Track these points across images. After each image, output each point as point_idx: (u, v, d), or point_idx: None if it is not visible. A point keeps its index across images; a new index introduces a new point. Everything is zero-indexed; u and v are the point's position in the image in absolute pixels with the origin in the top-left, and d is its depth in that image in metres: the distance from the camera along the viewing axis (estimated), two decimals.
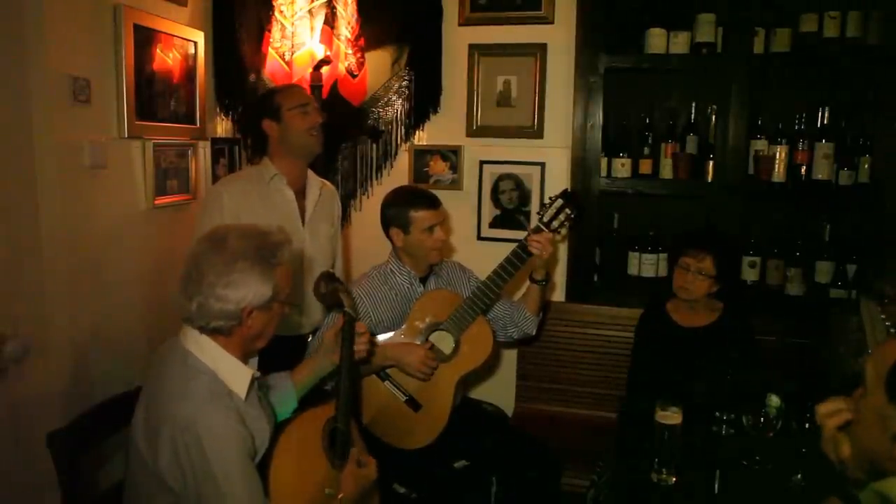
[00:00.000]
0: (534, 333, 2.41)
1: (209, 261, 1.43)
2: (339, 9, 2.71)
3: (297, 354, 2.14)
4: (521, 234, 2.24)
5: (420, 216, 2.14)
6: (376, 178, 3.00)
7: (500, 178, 2.91)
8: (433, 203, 2.17)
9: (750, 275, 2.72)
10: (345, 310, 1.67)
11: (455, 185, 2.93)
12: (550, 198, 2.21)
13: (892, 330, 1.82)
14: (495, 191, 2.92)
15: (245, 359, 1.53)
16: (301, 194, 2.28)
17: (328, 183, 2.44)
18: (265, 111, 2.21)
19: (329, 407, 1.66)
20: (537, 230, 2.17)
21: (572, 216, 2.19)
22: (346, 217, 3.02)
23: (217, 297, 1.41)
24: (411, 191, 2.29)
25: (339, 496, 1.53)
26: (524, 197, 2.89)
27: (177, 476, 1.38)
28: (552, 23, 2.77)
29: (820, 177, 2.58)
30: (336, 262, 2.45)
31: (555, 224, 2.18)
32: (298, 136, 2.19)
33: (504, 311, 2.34)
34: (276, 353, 1.75)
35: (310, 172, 2.33)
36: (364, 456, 1.63)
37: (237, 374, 1.49)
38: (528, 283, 2.33)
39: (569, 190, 2.26)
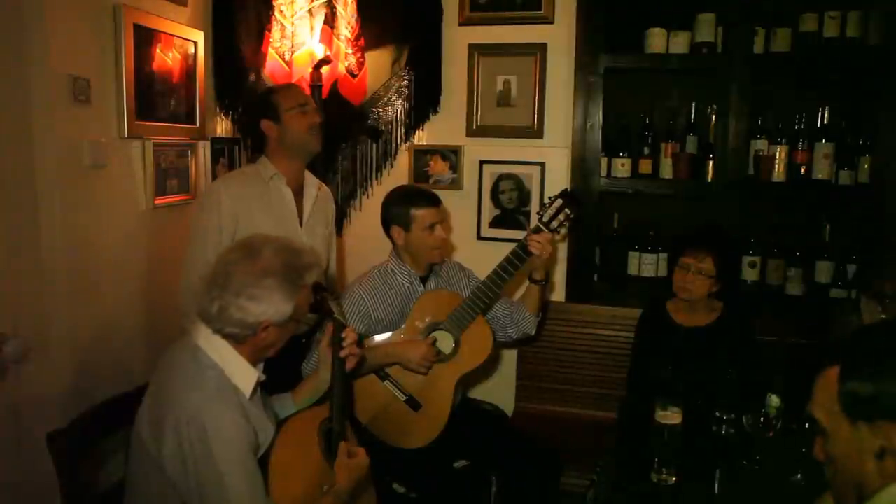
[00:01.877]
0: (533, 333, 2.41)
1: (239, 269, 1.45)
2: (339, 9, 2.71)
3: (298, 353, 2.14)
4: (521, 235, 2.24)
5: (421, 214, 2.14)
6: (376, 178, 3.00)
7: (500, 177, 2.91)
8: (434, 201, 2.17)
9: (750, 275, 2.72)
10: (334, 317, 1.69)
11: (455, 185, 2.93)
12: (550, 198, 2.21)
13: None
14: (495, 191, 2.92)
15: (253, 363, 1.55)
16: (298, 194, 2.27)
17: (324, 184, 2.43)
18: (264, 111, 2.20)
19: (324, 408, 1.67)
20: (537, 230, 2.17)
21: (571, 216, 2.19)
22: (346, 217, 3.02)
23: (239, 306, 1.43)
24: (412, 189, 2.30)
25: (334, 487, 1.54)
26: (524, 197, 2.89)
27: (178, 466, 1.39)
28: (552, 23, 2.77)
29: (820, 177, 2.58)
30: (329, 263, 2.44)
31: (554, 224, 2.18)
32: (298, 136, 2.18)
33: (504, 311, 2.34)
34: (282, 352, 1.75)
35: (307, 173, 2.32)
36: (353, 447, 1.64)
37: (244, 374, 1.51)
38: (527, 283, 2.33)
39: (568, 189, 2.26)
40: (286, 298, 1.47)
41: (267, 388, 1.72)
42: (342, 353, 1.67)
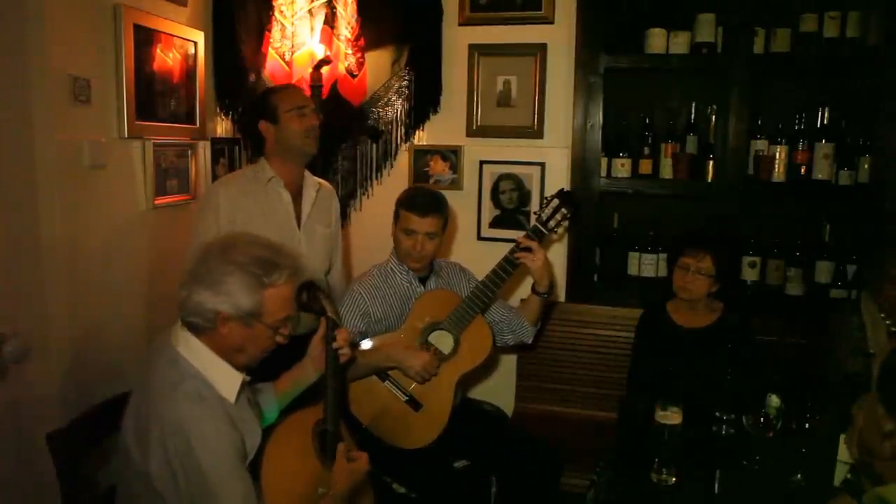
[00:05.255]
0: (530, 342, 2.40)
1: (208, 260, 1.45)
2: (339, 9, 2.71)
3: (298, 356, 2.13)
4: (520, 235, 2.24)
5: (402, 215, 2.17)
6: (376, 178, 2.99)
7: (500, 178, 2.91)
8: (422, 210, 2.14)
9: (750, 275, 2.72)
10: (327, 315, 1.68)
11: (455, 185, 2.93)
12: (546, 198, 2.23)
13: (893, 329, 1.82)
14: (495, 191, 2.92)
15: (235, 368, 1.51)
16: (298, 196, 2.27)
17: (325, 183, 2.42)
18: (262, 112, 2.20)
19: (317, 409, 1.66)
20: (536, 231, 2.18)
21: (568, 215, 2.20)
22: (345, 217, 3.02)
23: (198, 293, 1.42)
24: (415, 190, 2.30)
25: (331, 492, 1.53)
26: (524, 197, 2.89)
27: (168, 481, 1.37)
28: (552, 23, 2.77)
29: (820, 177, 2.58)
30: (334, 262, 2.44)
31: (551, 224, 2.20)
32: (295, 139, 2.18)
33: (501, 316, 2.34)
34: (282, 354, 1.74)
35: (306, 173, 2.31)
36: (354, 451, 1.63)
37: (227, 378, 1.48)
38: (530, 289, 2.33)
39: (564, 189, 2.27)
40: (245, 292, 1.42)
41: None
42: (335, 345, 1.67)
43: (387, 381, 2.16)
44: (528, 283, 2.36)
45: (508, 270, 2.17)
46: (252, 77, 2.78)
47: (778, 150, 2.61)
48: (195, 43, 2.59)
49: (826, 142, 2.56)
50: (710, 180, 2.69)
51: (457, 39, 2.86)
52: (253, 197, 2.17)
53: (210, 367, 1.46)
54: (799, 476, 1.66)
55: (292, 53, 2.71)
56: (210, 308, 1.42)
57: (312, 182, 2.33)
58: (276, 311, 1.48)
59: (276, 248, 1.53)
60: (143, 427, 1.40)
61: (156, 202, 2.41)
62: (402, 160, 2.98)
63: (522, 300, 2.43)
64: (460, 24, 2.85)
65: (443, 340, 2.19)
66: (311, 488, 1.55)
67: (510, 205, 2.92)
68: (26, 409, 1.96)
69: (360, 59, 2.78)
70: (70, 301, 2.06)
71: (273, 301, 1.47)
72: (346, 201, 3.00)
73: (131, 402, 1.49)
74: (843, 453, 1.53)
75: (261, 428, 1.57)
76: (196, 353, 1.46)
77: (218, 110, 2.80)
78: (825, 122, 2.60)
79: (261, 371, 1.65)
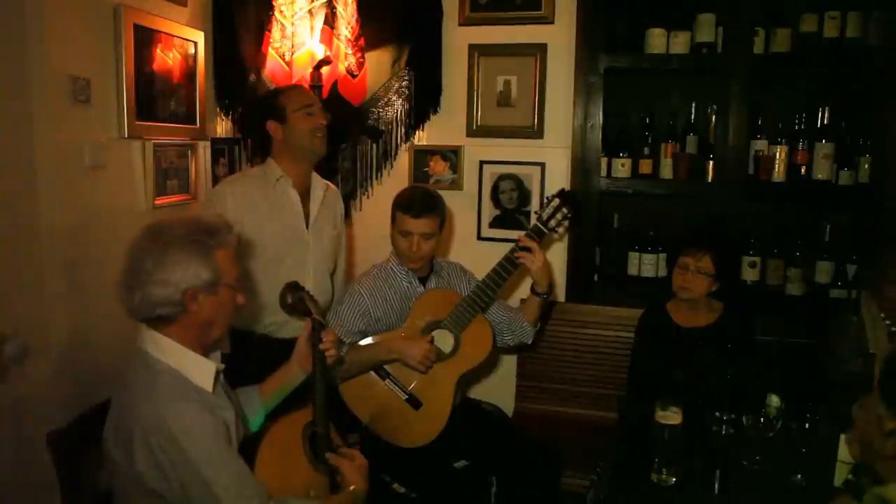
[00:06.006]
0: (530, 342, 2.40)
1: (145, 249, 1.42)
2: (339, 9, 2.71)
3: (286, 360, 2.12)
4: (521, 235, 2.24)
5: (398, 217, 2.17)
6: (376, 178, 3.00)
7: (501, 178, 2.91)
8: (416, 211, 2.14)
9: (750, 275, 2.72)
10: (312, 316, 1.68)
11: (455, 185, 2.93)
12: (547, 198, 2.22)
13: (893, 329, 1.82)
14: (495, 191, 2.92)
15: (206, 353, 1.50)
16: (305, 196, 2.27)
17: (332, 185, 2.43)
18: (269, 112, 2.19)
19: (307, 412, 1.65)
20: (537, 230, 2.19)
21: (569, 215, 2.20)
22: (346, 217, 3.02)
23: (156, 282, 1.39)
24: (410, 191, 2.29)
25: (351, 488, 1.55)
26: (524, 197, 2.89)
27: (159, 478, 1.37)
28: (552, 23, 2.77)
29: (820, 177, 2.58)
30: (339, 264, 2.44)
31: (552, 224, 2.19)
32: (302, 138, 2.18)
33: (501, 317, 2.34)
34: (278, 356, 1.74)
35: (314, 174, 2.32)
36: (343, 448, 1.65)
37: (200, 369, 1.47)
38: (529, 289, 2.33)
39: (565, 189, 2.26)
40: (201, 262, 1.42)
41: None
42: (321, 346, 1.66)
43: (387, 380, 2.16)
44: (528, 283, 2.36)
45: (509, 270, 2.17)
46: (252, 77, 2.78)
47: (778, 150, 2.61)
48: (195, 43, 2.60)
49: (826, 142, 2.56)
50: (710, 180, 2.69)
51: (457, 39, 2.86)
52: (261, 196, 2.17)
53: (182, 361, 1.45)
54: (799, 476, 1.66)
55: (292, 53, 2.71)
56: (173, 291, 1.40)
57: (321, 183, 2.33)
58: (231, 269, 1.49)
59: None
60: (126, 428, 1.38)
61: (156, 202, 2.41)
62: (402, 160, 2.98)
63: (522, 300, 2.43)
64: (460, 24, 2.85)
65: (443, 339, 2.18)
66: (302, 491, 1.54)
67: (510, 205, 2.92)
68: (26, 409, 1.96)
69: (360, 59, 2.78)
70: (70, 301, 2.07)
71: (225, 260, 1.47)
72: (347, 201, 2.99)
73: (111, 411, 1.48)
74: (843, 453, 1.53)
75: (235, 418, 1.55)
76: (165, 350, 1.44)
77: (218, 110, 2.80)
78: (825, 122, 2.60)
79: (247, 375, 1.64)
